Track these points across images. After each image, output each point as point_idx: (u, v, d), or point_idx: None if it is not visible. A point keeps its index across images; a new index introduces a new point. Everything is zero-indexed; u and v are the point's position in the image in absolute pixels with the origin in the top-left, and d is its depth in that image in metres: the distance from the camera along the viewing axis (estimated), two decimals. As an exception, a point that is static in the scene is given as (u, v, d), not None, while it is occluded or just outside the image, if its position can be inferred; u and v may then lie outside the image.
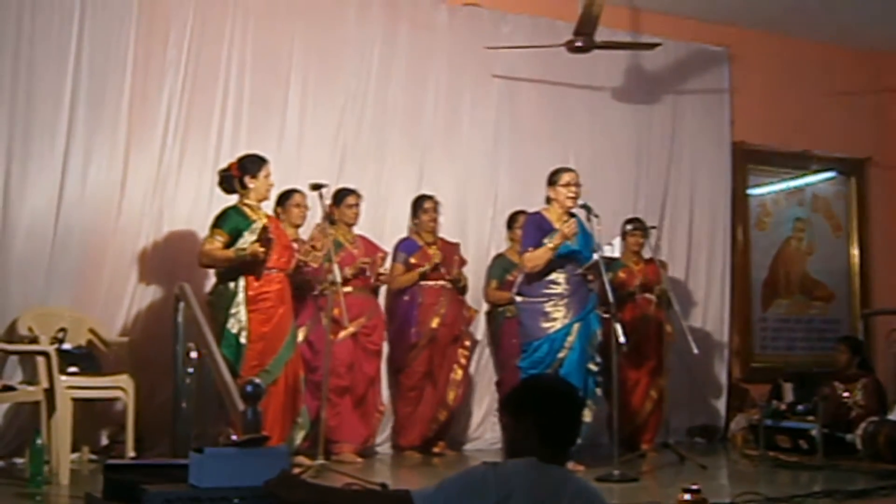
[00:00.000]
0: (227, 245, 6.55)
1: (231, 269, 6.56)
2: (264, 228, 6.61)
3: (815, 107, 10.29)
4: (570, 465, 6.87)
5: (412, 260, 7.91)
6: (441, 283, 7.91)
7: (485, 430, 8.37)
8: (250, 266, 6.54)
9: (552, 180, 7.15)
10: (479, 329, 8.50)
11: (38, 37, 7.20)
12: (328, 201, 7.23)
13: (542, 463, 3.13)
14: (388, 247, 8.00)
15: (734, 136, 10.02)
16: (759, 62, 10.08)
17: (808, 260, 10.39)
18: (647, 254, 8.34)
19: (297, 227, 7.38)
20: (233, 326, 6.48)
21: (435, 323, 7.83)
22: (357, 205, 7.65)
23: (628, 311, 8.01)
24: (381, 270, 7.71)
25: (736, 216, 9.98)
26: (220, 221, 6.61)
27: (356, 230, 7.74)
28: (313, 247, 7.05)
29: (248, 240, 6.55)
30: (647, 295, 8.18)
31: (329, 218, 7.21)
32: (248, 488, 4.20)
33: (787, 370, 8.94)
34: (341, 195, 7.63)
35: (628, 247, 8.24)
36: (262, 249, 6.49)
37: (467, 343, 8.12)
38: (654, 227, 8.29)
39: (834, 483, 6.40)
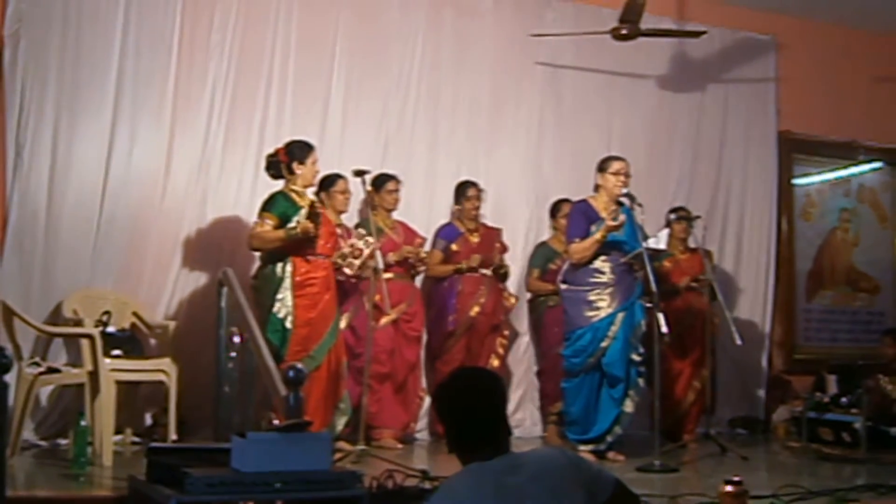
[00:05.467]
0: (277, 228, 6.56)
1: (279, 253, 6.56)
2: (312, 204, 6.63)
3: (862, 96, 10.18)
4: (611, 455, 6.89)
5: (453, 247, 7.90)
6: (482, 271, 7.89)
7: (523, 419, 8.38)
8: (301, 245, 6.55)
9: (602, 168, 7.13)
10: (519, 318, 8.47)
11: (84, 20, 7.24)
12: (370, 187, 7.23)
13: (484, 462, 3.04)
14: (428, 233, 8.00)
15: (780, 126, 9.91)
16: (805, 51, 9.97)
17: (853, 251, 10.28)
18: (692, 243, 8.28)
19: (341, 213, 7.38)
20: (279, 311, 6.48)
21: (474, 311, 7.82)
22: (397, 190, 7.65)
23: (673, 301, 7.95)
24: (423, 254, 7.71)
25: (781, 206, 9.88)
26: (268, 205, 6.62)
27: (397, 215, 7.74)
28: (352, 248, 7.02)
29: (293, 225, 6.55)
30: (693, 284, 8.12)
31: (370, 203, 7.22)
32: (290, 473, 4.23)
33: (831, 362, 8.84)
34: (381, 180, 7.61)
35: (674, 235, 8.19)
36: (312, 225, 6.50)
37: (506, 332, 8.11)
38: (698, 217, 8.23)
39: (877, 477, 6.34)
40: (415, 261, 7.62)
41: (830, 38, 10.11)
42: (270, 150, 6.86)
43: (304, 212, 6.58)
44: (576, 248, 7.06)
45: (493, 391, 3.23)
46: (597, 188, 7.16)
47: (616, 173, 7.06)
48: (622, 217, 6.91)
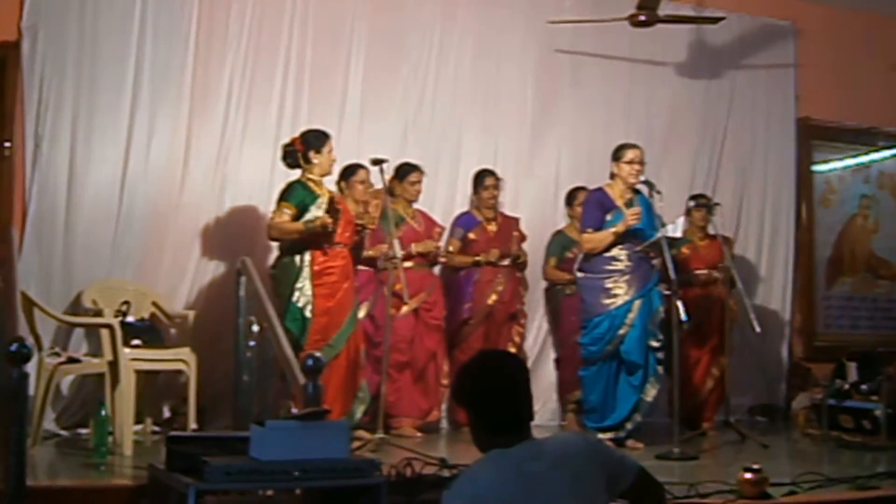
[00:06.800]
0: (295, 218, 6.58)
1: (298, 242, 6.59)
2: (331, 199, 6.64)
3: (882, 82, 10.09)
4: (630, 443, 6.88)
5: (470, 235, 7.90)
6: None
7: (543, 408, 8.35)
8: (319, 238, 6.57)
9: (616, 156, 7.11)
10: (534, 307, 8.46)
11: (101, 12, 7.27)
12: (389, 175, 7.23)
13: (506, 449, 3.02)
14: (447, 222, 8.00)
15: (799, 112, 9.85)
16: (825, 36, 9.89)
17: (873, 238, 10.21)
18: (711, 230, 8.25)
19: (360, 202, 7.39)
20: (298, 300, 6.52)
21: (492, 300, 7.82)
22: (419, 182, 7.64)
23: (691, 288, 7.93)
24: (440, 248, 7.73)
25: (800, 193, 9.83)
26: (286, 195, 6.65)
27: (416, 204, 7.74)
28: (366, 210, 7.05)
29: (314, 214, 6.57)
30: (713, 272, 8.10)
31: (389, 191, 7.22)
32: (308, 461, 4.24)
33: (851, 349, 8.80)
34: (404, 170, 7.61)
35: (693, 223, 8.20)
36: (330, 220, 6.52)
37: (523, 321, 8.10)
38: (717, 204, 8.20)
39: (898, 464, 6.33)
40: (434, 255, 7.64)
41: (850, 23, 10.03)
42: (286, 140, 6.88)
43: (323, 203, 6.59)
44: (588, 237, 7.05)
45: (514, 374, 3.21)
46: (612, 176, 7.14)
47: (630, 162, 7.04)
48: (639, 213, 6.89)
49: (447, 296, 7.84)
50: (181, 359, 6.66)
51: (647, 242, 6.91)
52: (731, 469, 5.66)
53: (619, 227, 6.92)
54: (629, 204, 7.06)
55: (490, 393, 3.12)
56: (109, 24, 7.28)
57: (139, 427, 6.73)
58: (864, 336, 9.84)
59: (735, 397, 8.42)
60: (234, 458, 4.30)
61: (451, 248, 7.87)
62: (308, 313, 6.50)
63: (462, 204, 8.23)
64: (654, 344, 6.94)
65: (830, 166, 10.10)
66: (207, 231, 7.54)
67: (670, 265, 6.72)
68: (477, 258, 7.82)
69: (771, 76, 9.80)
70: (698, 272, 8.11)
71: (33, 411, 6.06)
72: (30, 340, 6.07)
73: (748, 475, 5.17)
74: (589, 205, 7.19)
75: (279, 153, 6.92)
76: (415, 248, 7.45)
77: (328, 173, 6.84)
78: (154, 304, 7.17)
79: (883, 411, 7.51)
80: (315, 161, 6.69)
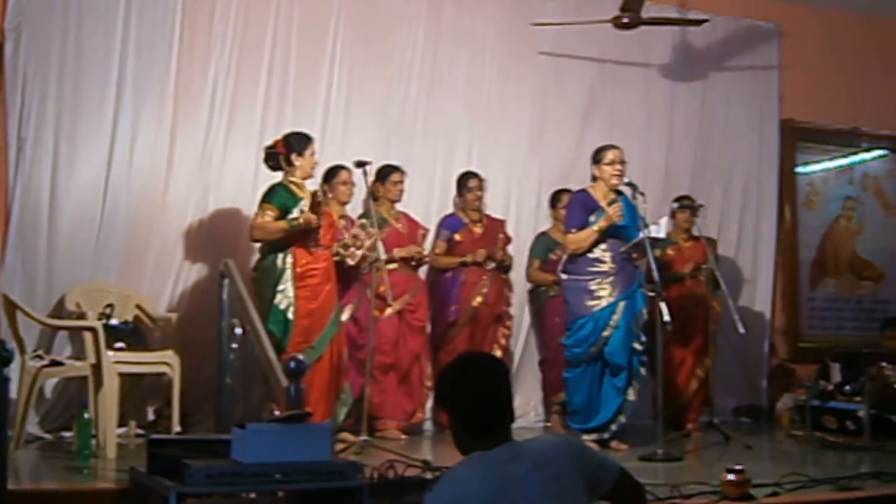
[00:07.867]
0: (278, 220, 6.55)
1: (279, 244, 6.56)
2: (314, 194, 6.62)
3: (866, 84, 10.13)
4: (614, 445, 6.89)
5: (456, 237, 7.90)
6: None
7: (528, 410, 8.36)
8: (303, 237, 6.55)
9: (596, 158, 7.12)
10: (518, 309, 8.45)
11: (85, 13, 7.24)
12: (372, 177, 7.23)
13: (487, 451, 3.02)
14: (431, 224, 8.00)
15: (783, 114, 9.89)
16: (808, 38, 9.93)
17: (857, 239, 10.25)
18: (695, 232, 8.27)
19: (344, 204, 7.39)
20: (280, 302, 6.49)
21: (477, 302, 7.82)
22: (402, 182, 7.65)
23: (675, 289, 7.95)
24: (425, 256, 7.73)
25: (784, 194, 9.85)
26: (268, 197, 6.62)
27: (400, 206, 7.74)
28: (355, 238, 7.01)
29: (296, 216, 6.56)
30: (696, 273, 8.11)
31: (373, 194, 7.21)
32: (290, 464, 4.23)
33: (835, 350, 8.83)
34: (385, 172, 7.62)
35: (677, 224, 8.22)
36: (314, 217, 6.50)
37: (509, 323, 8.11)
38: (701, 206, 8.23)
39: (881, 465, 6.32)
40: (419, 260, 7.65)
41: (834, 25, 10.08)
42: (269, 143, 6.87)
43: (306, 202, 6.58)
44: (572, 238, 7.07)
45: (496, 377, 3.21)
46: (594, 178, 7.16)
47: (611, 163, 7.05)
48: (620, 208, 6.90)
49: (432, 298, 7.85)
50: (165, 361, 6.65)
51: (631, 244, 6.92)
52: (715, 470, 5.66)
53: (602, 223, 6.93)
54: (612, 204, 7.07)
55: (470, 395, 3.12)
56: (93, 26, 7.25)
57: (123, 430, 6.74)
58: (847, 337, 9.87)
59: (719, 398, 8.41)
60: (216, 461, 4.29)
61: (437, 251, 7.89)
62: (290, 315, 6.47)
63: (445, 205, 8.22)
64: (638, 346, 6.95)
65: (814, 168, 10.14)
66: (191, 233, 7.52)
67: (654, 266, 6.74)
68: (464, 259, 7.82)
69: (755, 78, 9.83)
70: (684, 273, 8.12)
71: (16, 414, 6.05)
72: (12, 343, 6.06)
73: (731, 476, 5.18)
74: (572, 205, 7.21)
75: (263, 155, 6.91)
76: (397, 252, 7.44)
77: (310, 176, 6.82)
78: (137, 306, 7.15)
79: (866, 412, 7.52)
80: (297, 164, 6.66)
